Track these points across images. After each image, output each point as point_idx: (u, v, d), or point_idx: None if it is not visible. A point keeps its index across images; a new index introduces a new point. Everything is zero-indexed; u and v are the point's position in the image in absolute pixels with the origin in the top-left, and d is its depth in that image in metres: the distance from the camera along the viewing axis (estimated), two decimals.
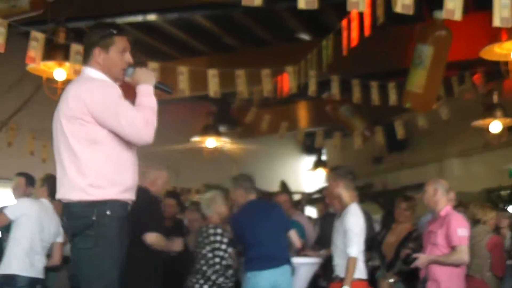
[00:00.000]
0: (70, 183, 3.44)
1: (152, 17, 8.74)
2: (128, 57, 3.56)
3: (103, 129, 3.41)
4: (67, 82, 6.39)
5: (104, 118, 3.39)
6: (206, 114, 10.43)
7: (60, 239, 5.73)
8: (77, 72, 6.21)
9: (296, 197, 12.16)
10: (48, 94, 6.69)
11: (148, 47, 10.69)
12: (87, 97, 3.41)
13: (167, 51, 10.90)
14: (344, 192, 5.24)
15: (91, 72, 3.54)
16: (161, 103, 10.04)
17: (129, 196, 3.54)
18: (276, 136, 10.29)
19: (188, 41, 10.58)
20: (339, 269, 5.14)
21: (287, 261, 5.61)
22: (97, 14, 8.25)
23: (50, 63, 6.56)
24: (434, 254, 5.24)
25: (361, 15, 5.46)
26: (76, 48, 6.25)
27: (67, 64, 6.51)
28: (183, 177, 11.20)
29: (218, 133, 10.37)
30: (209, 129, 10.38)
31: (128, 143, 3.47)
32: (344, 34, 5.91)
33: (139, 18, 8.70)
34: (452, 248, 5.18)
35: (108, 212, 3.40)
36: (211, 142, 10.31)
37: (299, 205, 9.88)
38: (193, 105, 12.18)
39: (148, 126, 3.40)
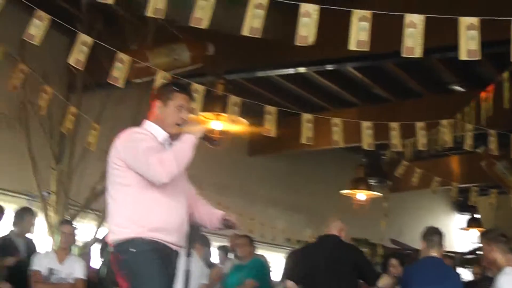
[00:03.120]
0: (108, 226, 3.73)
1: (302, 69, 8.91)
2: (184, 115, 3.73)
3: (130, 172, 3.56)
4: (224, 132, 6.63)
5: (126, 156, 3.57)
6: (357, 166, 10.34)
7: (204, 280, 5.89)
8: (234, 123, 6.45)
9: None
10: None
11: (299, 98, 10.88)
12: (119, 142, 3.65)
13: (318, 102, 11.02)
14: (499, 255, 5.07)
15: (145, 123, 3.78)
16: (310, 153, 10.04)
17: (160, 236, 3.57)
18: (426, 191, 10.01)
19: (339, 92, 10.65)
20: None
21: None
22: (252, 67, 8.54)
23: (208, 114, 6.83)
24: None
25: None
26: (233, 99, 6.48)
27: (224, 115, 6.74)
28: None
29: (368, 186, 10.25)
30: (360, 182, 10.27)
31: (160, 188, 3.56)
32: (506, 85, 5.71)
33: (290, 70, 8.92)
34: None
35: (131, 249, 3.51)
36: (361, 195, 10.20)
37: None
38: (341, 156, 12.18)
39: (163, 165, 3.46)
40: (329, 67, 8.93)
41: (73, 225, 6.62)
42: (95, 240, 7.87)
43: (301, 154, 11.76)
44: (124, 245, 3.53)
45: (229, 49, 7.73)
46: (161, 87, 3.97)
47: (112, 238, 3.61)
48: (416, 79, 9.95)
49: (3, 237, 6.48)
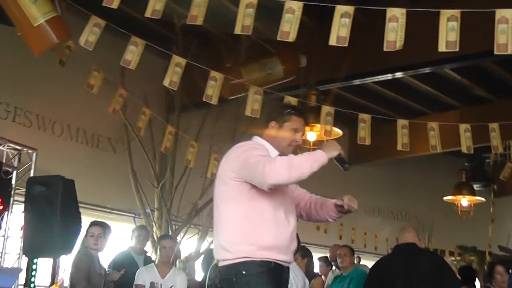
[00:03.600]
0: (215, 242, 3.59)
1: (399, 74, 8.79)
2: (299, 137, 3.66)
3: (242, 186, 3.44)
4: (318, 143, 6.64)
5: (238, 164, 3.45)
6: (459, 171, 10.06)
7: None
8: (328, 133, 6.45)
9: None
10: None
11: (397, 104, 10.73)
12: (231, 153, 3.56)
13: (416, 107, 10.84)
14: None
15: (257, 139, 3.69)
16: (412, 159, 9.78)
17: (271, 255, 3.43)
18: None
19: (437, 95, 10.44)
20: None
21: None
22: (348, 76, 8.51)
23: None
24: None
25: None
26: (326, 109, 6.48)
27: (318, 125, 6.75)
28: (435, 237, 10.87)
29: (472, 191, 9.93)
30: (462, 187, 9.98)
31: (272, 203, 3.45)
32: None
33: (387, 76, 8.81)
34: None
35: (243, 272, 3.38)
36: (465, 201, 9.90)
37: None
38: (444, 161, 11.88)
39: (273, 166, 3.29)
40: (426, 70, 8.75)
41: (173, 240, 6.76)
42: (198, 253, 8.05)
43: (402, 160, 11.57)
44: (235, 267, 3.41)
45: (323, 59, 7.75)
46: (278, 108, 3.95)
47: (222, 257, 3.50)
48: None
49: (122, 252, 6.76)
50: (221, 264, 3.52)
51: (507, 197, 12.16)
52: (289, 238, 3.54)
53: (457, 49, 4.29)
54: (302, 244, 6.53)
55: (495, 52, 4.27)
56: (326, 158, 3.38)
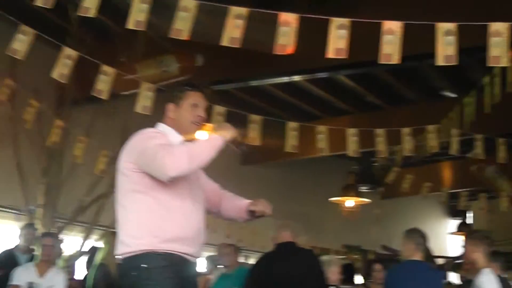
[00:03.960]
0: (118, 238, 3.42)
1: (296, 78, 8.93)
2: (199, 112, 3.57)
3: (142, 177, 3.31)
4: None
5: (135, 155, 3.34)
6: (348, 173, 10.36)
7: None
8: (218, 132, 6.45)
9: (439, 261, 11.75)
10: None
11: (292, 107, 10.90)
12: (129, 144, 3.42)
13: (311, 111, 11.05)
14: (481, 257, 5.08)
15: (159, 126, 3.56)
16: (304, 161, 10.02)
17: (175, 247, 3.29)
18: (418, 197, 10.05)
19: (332, 100, 10.68)
20: None
21: None
22: (244, 77, 8.57)
23: None
24: None
25: (504, 70, 5.28)
26: (218, 109, 6.50)
27: (209, 125, 6.74)
28: (321, 236, 11.13)
29: (358, 193, 10.27)
30: (350, 189, 10.29)
31: (176, 193, 3.33)
32: (487, 90, 5.75)
33: (284, 79, 8.93)
34: None
35: (143, 265, 3.24)
36: (350, 202, 10.22)
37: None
38: (336, 164, 12.18)
39: (171, 158, 3.18)
40: (322, 75, 8.94)
41: (54, 238, 6.53)
42: (82, 252, 7.88)
43: (294, 162, 11.74)
44: (135, 260, 3.25)
45: (221, 59, 7.74)
46: (172, 89, 3.80)
47: (122, 251, 3.32)
48: (409, 86, 9.98)
49: (5, 251, 6.52)
50: (120, 259, 3.35)
51: (393, 199, 12.65)
52: (196, 229, 3.41)
53: (345, 56, 4.39)
54: None
55: (380, 61, 4.40)
56: (222, 142, 3.36)
